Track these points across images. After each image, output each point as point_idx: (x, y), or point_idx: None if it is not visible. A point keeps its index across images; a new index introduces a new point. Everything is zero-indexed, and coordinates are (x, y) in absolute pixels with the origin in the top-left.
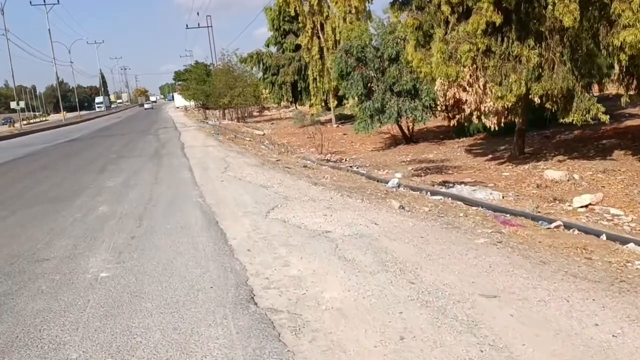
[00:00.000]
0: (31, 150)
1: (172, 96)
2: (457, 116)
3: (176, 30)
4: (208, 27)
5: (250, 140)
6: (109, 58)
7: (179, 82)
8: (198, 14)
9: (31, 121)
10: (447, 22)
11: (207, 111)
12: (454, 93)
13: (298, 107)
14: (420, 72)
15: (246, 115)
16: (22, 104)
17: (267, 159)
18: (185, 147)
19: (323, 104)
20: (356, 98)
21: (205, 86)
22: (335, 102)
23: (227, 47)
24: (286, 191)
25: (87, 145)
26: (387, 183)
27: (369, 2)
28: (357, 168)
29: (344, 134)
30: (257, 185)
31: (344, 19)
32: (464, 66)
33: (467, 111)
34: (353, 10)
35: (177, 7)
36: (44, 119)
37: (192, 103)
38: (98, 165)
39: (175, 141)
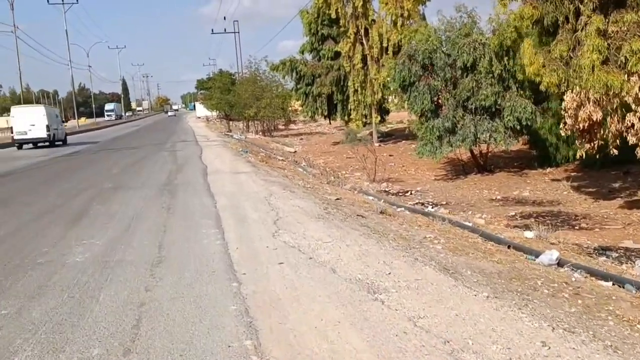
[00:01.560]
0: (14, 167)
1: (194, 105)
2: (589, 144)
3: (200, 39)
4: (235, 32)
5: (283, 160)
6: (130, 64)
7: (202, 91)
8: (225, 18)
9: None
10: (577, 14)
11: (231, 122)
12: (589, 113)
13: (331, 121)
14: (541, 81)
15: (272, 128)
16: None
17: (324, 197)
18: (209, 173)
19: (364, 119)
20: (419, 114)
21: (230, 96)
22: (378, 118)
23: (254, 54)
24: (419, 306)
25: (84, 163)
26: (533, 256)
27: (422, 5)
28: (436, 208)
29: (390, 155)
30: (351, 284)
31: (395, 23)
32: (633, 73)
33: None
34: (405, 14)
35: (201, 16)
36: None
37: (215, 113)
38: (79, 204)
39: (195, 162)
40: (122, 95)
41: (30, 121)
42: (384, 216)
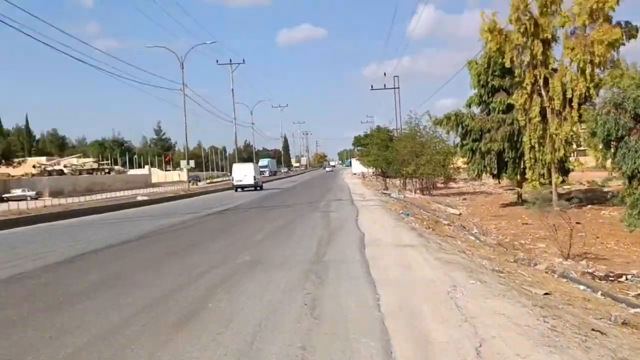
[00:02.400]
0: (156, 228)
1: (350, 162)
2: None
3: (358, 98)
4: (394, 88)
5: (449, 225)
6: (292, 122)
7: (358, 148)
8: (385, 74)
9: (213, 181)
10: None
11: (387, 179)
12: None
13: (500, 181)
14: None
15: (430, 186)
16: (192, 163)
17: (528, 291)
18: (367, 244)
19: (541, 178)
20: (629, 175)
21: (387, 152)
22: (560, 178)
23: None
24: None
25: (228, 225)
26: None
27: (615, 50)
28: None
29: (577, 223)
30: None
31: (582, 71)
32: None
33: None
34: (596, 60)
35: (360, 77)
36: (226, 179)
37: (371, 170)
38: (199, 292)
39: (350, 227)
40: (283, 152)
41: (244, 173)
42: (630, 330)
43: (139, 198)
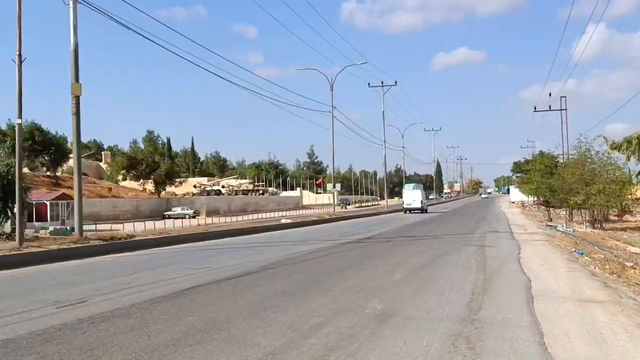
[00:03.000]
0: (285, 256)
1: (508, 189)
2: None
3: (517, 123)
4: (561, 110)
5: (634, 268)
6: (445, 147)
7: (517, 174)
8: (550, 94)
9: (362, 205)
10: None
11: (551, 210)
12: None
13: None
14: None
15: (601, 218)
16: (338, 186)
17: None
18: (536, 297)
19: None
20: None
21: (552, 180)
22: None
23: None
24: None
25: (364, 258)
26: None
27: None
28: None
29: None
30: None
31: None
32: None
33: None
34: None
35: (520, 100)
36: (375, 203)
37: (531, 199)
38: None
39: (512, 270)
40: (435, 177)
41: (413, 198)
42: None
43: (283, 221)
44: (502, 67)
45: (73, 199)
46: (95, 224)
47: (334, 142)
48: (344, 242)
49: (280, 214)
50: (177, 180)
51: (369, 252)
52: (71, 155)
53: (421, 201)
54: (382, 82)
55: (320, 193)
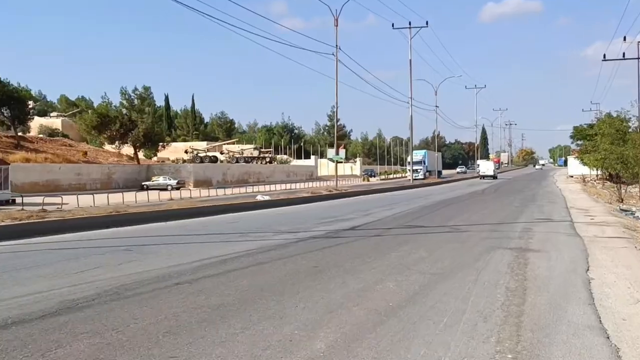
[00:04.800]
0: (197, 264)
1: (565, 161)
2: None
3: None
4: (639, 58)
5: None
6: (492, 109)
7: (578, 142)
8: (625, 39)
9: (388, 176)
10: None
11: (622, 187)
12: None
13: None
14: None
15: None
16: (342, 153)
17: None
18: None
19: None
20: None
21: (625, 148)
22: None
23: None
24: None
25: (279, 285)
26: None
27: None
28: None
29: None
30: None
31: None
32: None
33: None
34: None
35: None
36: (404, 175)
37: (595, 172)
38: None
39: (576, 315)
40: (480, 145)
41: (487, 167)
42: None
43: (259, 198)
44: (561, 19)
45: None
46: (44, 196)
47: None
48: (310, 237)
49: (287, 187)
50: (161, 143)
51: (321, 263)
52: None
53: (493, 170)
54: (409, 23)
55: (341, 162)
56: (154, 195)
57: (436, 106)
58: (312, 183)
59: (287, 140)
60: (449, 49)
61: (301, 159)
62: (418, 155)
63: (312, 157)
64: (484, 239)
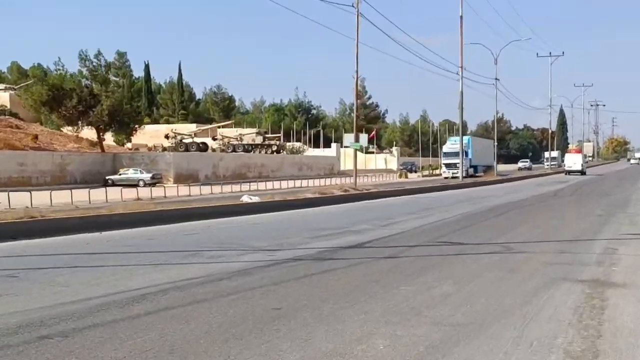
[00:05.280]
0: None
1: None
2: None
3: None
4: None
5: None
6: (573, 85)
7: None
8: None
9: (433, 171)
10: None
11: None
12: None
13: None
14: None
15: None
16: (364, 139)
17: None
18: None
19: None
20: None
21: None
22: None
23: None
24: None
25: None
26: None
27: None
28: None
29: None
30: None
31: None
32: None
33: None
34: None
35: None
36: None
37: None
38: None
39: None
40: (557, 132)
41: (573, 161)
42: None
43: (245, 200)
44: None
45: None
46: None
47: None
48: (291, 258)
49: (296, 184)
50: (135, 125)
51: (288, 303)
52: None
53: (581, 164)
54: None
55: (373, 152)
56: (117, 193)
57: (495, 79)
58: (331, 180)
59: (301, 123)
60: (514, 5)
61: (320, 147)
62: (455, 143)
63: (333, 145)
64: (545, 264)
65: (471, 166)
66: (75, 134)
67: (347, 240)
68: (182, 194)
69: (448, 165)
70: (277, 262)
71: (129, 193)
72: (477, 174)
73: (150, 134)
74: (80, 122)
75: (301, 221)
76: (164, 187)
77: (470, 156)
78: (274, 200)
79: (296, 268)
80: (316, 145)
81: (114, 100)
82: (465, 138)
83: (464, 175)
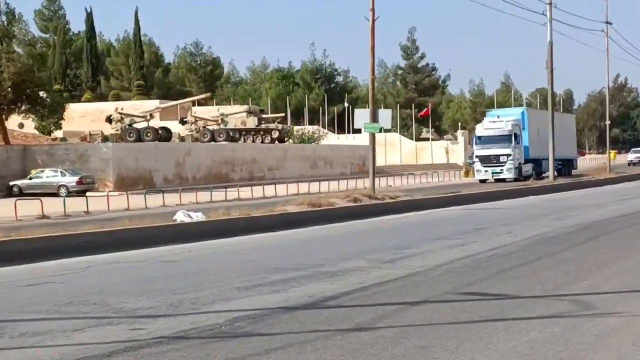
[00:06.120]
0: None
1: None
2: None
3: None
4: None
5: None
6: None
7: None
8: None
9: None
10: None
11: None
12: None
13: None
14: None
15: None
16: (385, 116)
17: None
18: None
19: None
20: None
21: None
22: None
23: None
24: None
25: None
26: None
27: None
28: None
29: None
30: None
31: None
32: None
33: None
34: None
35: None
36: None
37: None
38: None
39: None
40: None
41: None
42: None
43: (179, 219)
44: None
45: None
46: None
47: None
48: (157, 339)
49: (301, 188)
50: (60, 104)
51: None
52: None
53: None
54: None
55: (428, 139)
56: (22, 207)
57: (606, 22)
58: (363, 181)
59: (319, 97)
60: None
61: (345, 133)
62: (499, 121)
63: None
64: None
65: (528, 160)
66: None
67: (308, 291)
68: (116, 208)
69: (485, 160)
70: (135, 347)
71: (44, 206)
72: (539, 175)
73: (92, 116)
74: None
75: (248, 254)
76: (99, 194)
77: (525, 142)
78: (228, 219)
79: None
80: (341, 129)
81: (19, 66)
82: (513, 112)
83: (514, 174)
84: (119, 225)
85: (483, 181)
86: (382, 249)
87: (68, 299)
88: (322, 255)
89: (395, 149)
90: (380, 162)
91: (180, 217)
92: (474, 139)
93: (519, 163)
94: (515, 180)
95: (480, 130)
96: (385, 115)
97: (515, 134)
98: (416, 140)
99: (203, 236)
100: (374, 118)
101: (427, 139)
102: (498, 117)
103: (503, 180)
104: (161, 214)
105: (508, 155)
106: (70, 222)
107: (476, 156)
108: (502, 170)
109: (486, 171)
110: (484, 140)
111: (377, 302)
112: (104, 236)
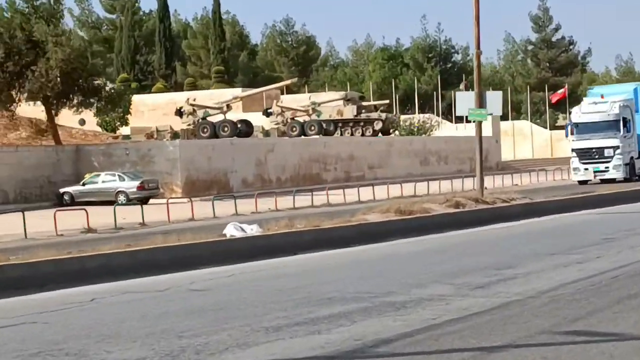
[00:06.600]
0: None
1: None
2: None
3: None
4: None
5: None
6: None
7: None
8: None
9: None
10: None
11: None
12: None
13: None
14: None
15: None
16: (495, 100)
17: None
18: None
19: None
20: None
21: None
22: None
23: None
24: None
25: None
26: None
27: None
28: None
29: None
30: None
31: None
32: None
33: None
34: None
35: None
36: None
37: None
38: None
39: None
40: None
41: None
42: None
43: (229, 232)
44: None
45: None
46: None
47: None
48: None
49: (405, 190)
50: (123, 96)
51: None
52: None
53: None
54: None
55: (564, 127)
56: (75, 218)
57: None
58: (474, 179)
59: (434, 80)
60: None
61: (464, 122)
62: (603, 102)
63: (489, 118)
64: None
65: None
66: (7, 113)
67: (358, 331)
68: (179, 218)
69: (584, 154)
70: None
71: (98, 217)
72: None
73: (165, 109)
74: (16, 91)
75: (302, 278)
76: (168, 201)
77: (639, 130)
78: (289, 232)
79: None
80: (459, 118)
81: (69, 52)
82: (628, 88)
83: (624, 173)
84: (146, 244)
85: (583, 182)
86: (476, 270)
87: (38, 348)
88: (397, 278)
89: (526, 139)
90: (507, 155)
91: (231, 230)
92: (568, 126)
93: (631, 157)
94: (626, 180)
95: (578, 115)
96: (494, 99)
97: (624, 118)
98: (551, 129)
99: (255, 255)
100: (481, 102)
101: (563, 125)
102: (602, 96)
103: (611, 180)
104: (225, 225)
105: (615, 147)
106: (119, 236)
107: (572, 150)
108: (607, 167)
109: (586, 169)
110: (583, 129)
111: (444, 347)
112: (124, 258)
